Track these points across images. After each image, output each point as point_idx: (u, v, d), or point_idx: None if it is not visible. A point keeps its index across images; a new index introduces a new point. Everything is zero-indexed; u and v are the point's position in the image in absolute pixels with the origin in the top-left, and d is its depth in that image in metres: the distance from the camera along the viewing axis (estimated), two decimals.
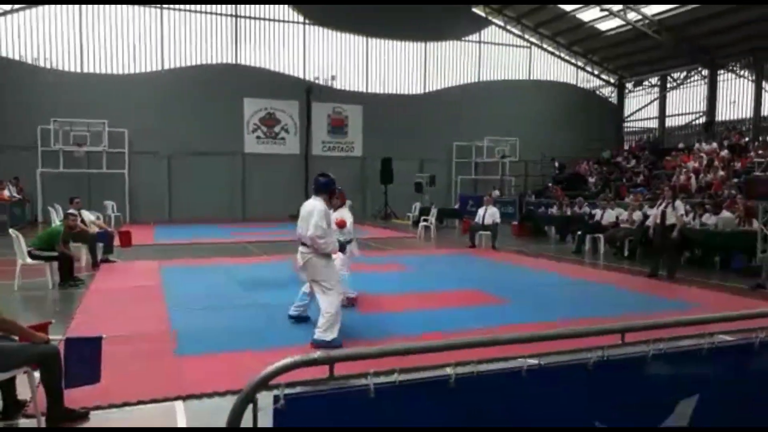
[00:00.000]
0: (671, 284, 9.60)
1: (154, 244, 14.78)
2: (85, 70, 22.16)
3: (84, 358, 3.96)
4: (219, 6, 23.80)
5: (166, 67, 23.25)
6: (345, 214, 7.88)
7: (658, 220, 10.23)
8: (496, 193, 24.26)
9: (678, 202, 10.30)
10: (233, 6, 24.01)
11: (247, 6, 24.22)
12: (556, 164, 25.93)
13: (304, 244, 6.14)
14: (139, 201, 21.90)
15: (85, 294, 8.31)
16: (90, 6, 22.05)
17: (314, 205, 6.15)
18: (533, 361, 2.07)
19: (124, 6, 22.50)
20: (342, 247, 6.57)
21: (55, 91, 20.89)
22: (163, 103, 22.32)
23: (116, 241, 12.74)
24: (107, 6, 22.29)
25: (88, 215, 12.22)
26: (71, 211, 10.95)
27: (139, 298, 8.11)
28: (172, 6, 23.12)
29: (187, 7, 23.33)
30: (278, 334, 6.23)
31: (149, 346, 5.72)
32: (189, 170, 22.73)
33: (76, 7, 21.88)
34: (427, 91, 27.28)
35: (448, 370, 1.93)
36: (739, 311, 2.59)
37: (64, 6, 21.74)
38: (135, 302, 7.82)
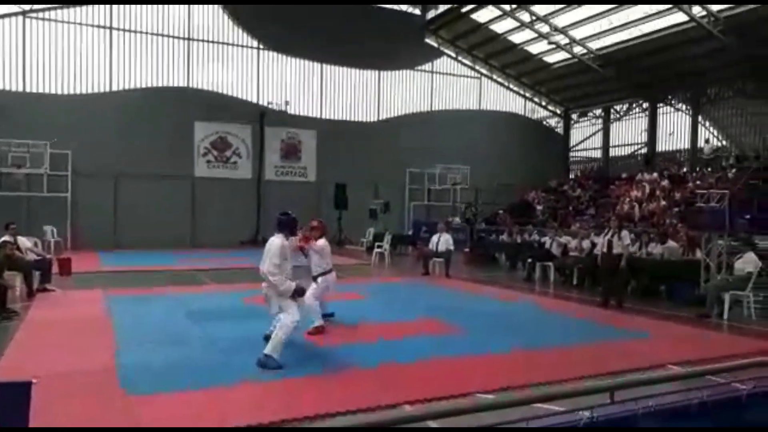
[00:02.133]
0: (620, 313, 9.77)
1: (98, 272, 14.15)
2: (27, 90, 21.31)
3: (10, 405, 3.63)
4: (171, 28, 23.42)
5: (114, 88, 22.62)
6: (323, 244, 8.23)
7: (605, 249, 10.47)
8: (457, 220, 24.45)
9: (624, 232, 10.57)
10: (186, 28, 23.68)
11: (201, 29, 23.94)
12: None
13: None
14: (82, 226, 21.00)
15: (20, 327, 7.81)
16: (35, 23, 21.31)
17: (272, 242, 6.38)
18: (521, 425, 1.98)
19: (72, 25, 21.86)
20: (300, 292, 6.53)
21: None
22: (110, 125, 21.63)
23: (55, 269, 12.13)
24: (53, 23, 21.60)
25: (25, 242, 11.57)
26: (6, 238, 10.38)
27: (80, 330, 7.67)
28: (122, 28, 22.62)
29: (138, 28, 22.87)
30: (231, 369, 5.96)
31: (93, 384, 5.37)
32: (136, 194, 21.99)
33: (20, 23, 21.11)
34: (380, 118, 27.48)
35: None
36: (695, 348, 2.57)
37: (7, 21, 20.93)
38: (76, 335, 7.39)
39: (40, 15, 21.43)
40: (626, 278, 10.88)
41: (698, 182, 19.78)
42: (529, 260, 14.87)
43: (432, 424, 1.93)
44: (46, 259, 11.66)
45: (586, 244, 14.22)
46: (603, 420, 2.06)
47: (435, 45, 28.21)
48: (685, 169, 23.59)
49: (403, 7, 27.21)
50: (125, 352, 6.50)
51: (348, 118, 26.86)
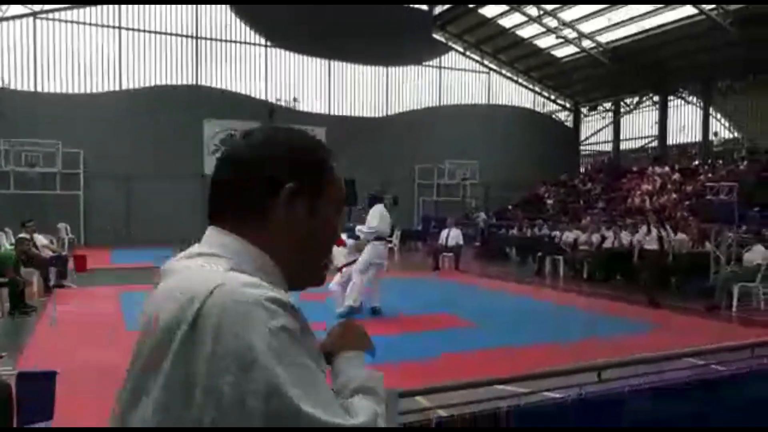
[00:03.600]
0: (631, 306, 9.79)
1: (112, 268, 14.35)
2: (39, 90, 21.57)
3: (37, 394, 3.78)
4: (179, 27, 23.60)
5: (124, 87, 22.84)
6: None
7: (655, 246, 10.35)
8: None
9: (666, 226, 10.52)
10: (194, 27, 23.85)
11: (209, 27, 24.10)
12: None
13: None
14: (95, 223, 21.27)
15: (38, 322, 7.97)
16: (45, 23, 21.56)
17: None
18: (514, 402, 2.06)
19: (81, 25, 22.09)
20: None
21: (7, 110, 20.21)
22: (120, 123, 21.84)
23: (71, 265, 12.33)
24: (63, 24, 21.84)
25: (41, 239, 11.78)
26: (23, 235, 10.57)
27: (98, 326, 7.82)
28: (130, 27, 22.82)
29: (147, 27, 23.06)
30: None
31: (110, 376, 5.49)
32: (147, 192, 22.20)
33: (30, 23, 21.36)
34: (389, 114, 27.52)
35: (429, 414, 1.91)
36: (703, 339, 2.65)
37: (18, 22, 21.19)
38: (94, 331, 7.54)
39: (50, 16, 21.67)
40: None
41: (710, 175, 19.69)
42: (539, 254, 14.90)
43: (441, 412, 2.00)
44: (63, 256, 11.86)
45: (595, 237, 14.25)
46: (591, 397, 2.13)
47: (443, 40, 28.17)
48: (696, 162, 23.47)
49: (410, 3, 27.20)
50: None
51: (356, 114, 26.93)
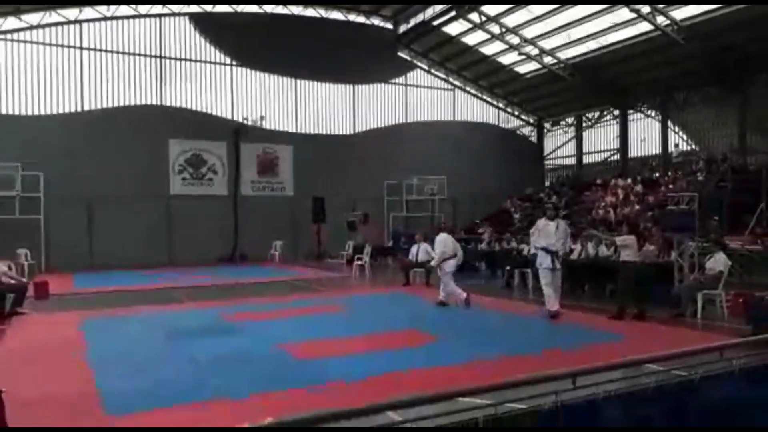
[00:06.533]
0: (599, 316, 9.91)
1: (74, 294, 13.93)
2: None
3: None
4: (144, 47, 23.33)
5: (86, 108, 22.42)
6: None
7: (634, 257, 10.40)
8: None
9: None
10: (158, 46, 23.61)
11: (173, 46, 23.89)
12: None
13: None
14: (56, 248, 20.66)
15: None
16: (3, 44, 21.06)
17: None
18: (490, 411, 2.05)
19: (42, 46, 21.66)
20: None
21: None
22: (82, 145, 21.38)
23: (31, 292, 11.91)
24: (22, 44, 21.37)
25: (0, 266, 11.37)
26: None
27: (57, 353, 7.56)
28: (92, 47, 22.48)
29: (109, 47, 22.73)
30: (210, 386, 5.93)
31: (70, 405, 5.30)
32: (111, 214, 21.70)
33: None
34: (356, 131, 27.62)
35: (407, 424, 1.88)
36: (669, 347, 2.69)
37: None
38: (52, 359, 7.28)
39: (9, 36, 21.19)
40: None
41: (671, 186, 20.22)
42: (508, 267, 15.01)
43: (396, 417, 1.97)
44: (22, 283, 11.47)
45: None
46: (566, 404, 2.14)
47: (408, 58, 28.51)
48: (657, 174, 24.09)
49: (376, 22, 27.51)
50: (102, 373, 6.42)
51: (324, 132, 26.95)
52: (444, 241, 11.52)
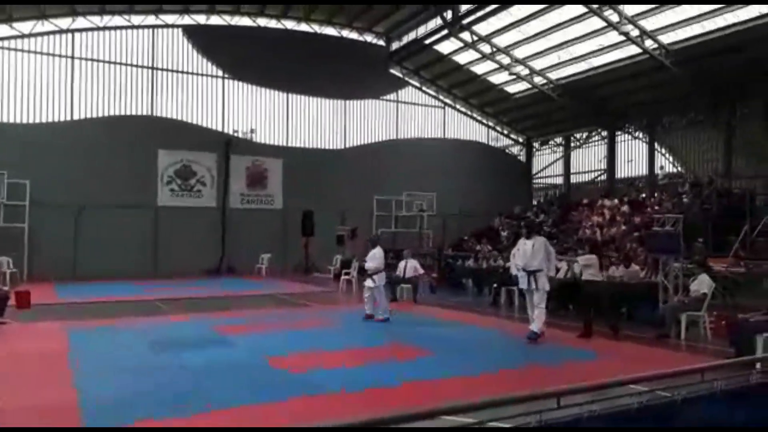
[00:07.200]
0: (578, 336, 9.89)
1: (57, 304, 13.75)
2: None
3: None
4: (135, 57, 23.33)
5: (75, 117, 22.32)
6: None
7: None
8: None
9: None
10: (150, 57, 23.62)
11: (165, 58, 23.91)
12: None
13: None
14: (40, 256, 20.41)
15: None
16: None
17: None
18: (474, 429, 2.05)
19: (32, 54, 21.58)
20: None
21: None
22: (70, 154, 21.24)
23: (12, 301, 11.76)
24: (13, 52, 21.29)
25: None
26: None
27: (37, 363, 7.45)
28: (83, 57, 22.44)
29: (101, 57, 22.71)
30: (197, 396, 5.88)
31: (52, 418, 5.23)
32: (97, 224, 21.52)
33: None
34: (347, 146, 27.70)
35: None
36: (656, 366, 2.71)
37: None
38: (32, 369, 7.17)
39: (0, 44, 21.11)
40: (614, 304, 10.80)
41: (656, 207, 20.42)
42: (495, 285, 15.04)
43: None
44: (3, 292, 11.32)
45: None
46: (551, 423, 2.15)
47: (399, 75, 28.73)
48: (643, 195, 24.33)
49: (369, 39, 27.73)
50: (85, 384, 6.34)
51: (314, 146, 27.00)
52: (381, 255, 11.77)
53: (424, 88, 29.45)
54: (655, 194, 23.07)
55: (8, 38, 21.21)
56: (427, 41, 25.51)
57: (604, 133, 27.89)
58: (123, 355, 8.05)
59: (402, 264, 15.33)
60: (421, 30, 25.65)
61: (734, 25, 18.57)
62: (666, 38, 20.54)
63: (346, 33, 27.21)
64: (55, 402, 5.75)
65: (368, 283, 11.53)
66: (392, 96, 28.87)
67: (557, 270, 14.14)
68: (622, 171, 27.32)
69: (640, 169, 26.43)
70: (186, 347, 8.54)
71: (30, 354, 8.07)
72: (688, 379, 2.77)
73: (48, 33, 21.85)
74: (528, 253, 9.45)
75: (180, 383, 6.50)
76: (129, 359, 7.76)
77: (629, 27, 20.21)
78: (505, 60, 25.04)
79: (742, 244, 15.77)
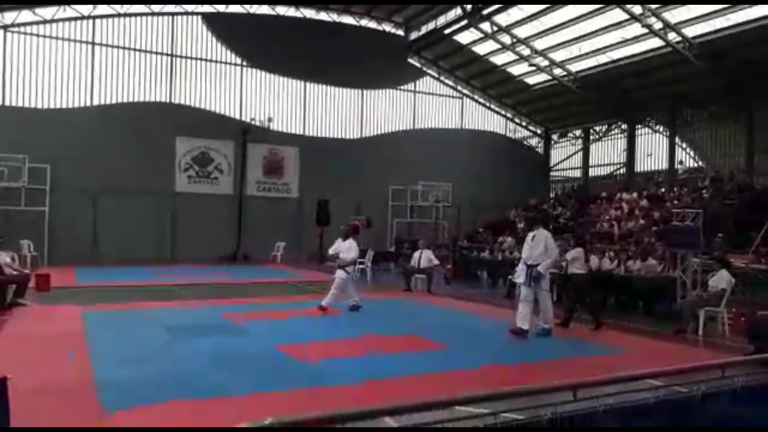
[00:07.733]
0: (599, 330, 9.83)
1: (76, 287, 13.96)
2: (7, 104, 21.09)
3: None
4: (155, 44, 23.45)
5: (96, 103, 22.52)
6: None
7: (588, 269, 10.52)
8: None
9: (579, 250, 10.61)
10: (170, 44, 23.73)
11: (184, 45, 23.99)
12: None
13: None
14: (60, 240, 20.71)
15: None
16: (16, 37, 21.19)
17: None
18: (489, 420, 2.04)
19: (54, 40, 21.78)
20: None
21: None
22: (90, 139, 21.46)
23: (32, 284, 11.95)
24: (35, 37, 21.50)
25: (4, 257, 11.41)
26: None
27: (56, 345, 7.57)
28: (105, 43, 22.60)
29: (121, 43, 22.86)
30: (211, 382, 5.94)
31: (69, 398, 5.31)
32: (116, 209, 21.77)
33: (1, 38, 20.97)
34: (363, 135, 27.66)
35: None
36: (674, 362, 2.67)
37: None
38: (52, 350, 7.30)
39: (22, 30, 21.32)
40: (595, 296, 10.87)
41: (676, 202, 20.15)
42: (509, 277, 14.95)
43: (393, 423, 1.96)
44: (24, 274, 11.50)
45: (564, 261, 14.36)
46: (566, 416, 2.13)
47: (418, 65, 28.56)
48: (663, 189, 24.02)
49: (388, 28, 27.58)
50: (101, 367, 6.43)
51: (331, 135, 27.00)
52: (356, 247, 11.54)
53: (442, 78, 29.25)
54: (675, 189, 22.77)
55: (30, 24, 21.40)
56: (447, 31, 25.29)
57: (624, 126, 27.52)
58: (139, 338, 8.16)
59: (417, 254, 15.32)
60: (441, 20, 25.43)
61: (760, 19, 18.13)
62: (690, 31, 20.15)
63: (365, 22, 27.08)
64: (72, 382, 5.83)
65: (340, 273, 11.14)
66: (410, 86, 28.72)
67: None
68: (642, 165, 26.98)
69: (660, 163, 26.07)
70: (200, 333, 8.63)
71: (49, 335, 8.21)
72: (707, 374, 2.73)
73: (69, 19, 22.01)
74: (527, 246, 9.29)
75: (193, 368, 6.56)
76: (144, 343, 7.87)
77: (652, 19, 19.86)
78: (525, 51, 24.76)
79: (763, 240, 15.51)
